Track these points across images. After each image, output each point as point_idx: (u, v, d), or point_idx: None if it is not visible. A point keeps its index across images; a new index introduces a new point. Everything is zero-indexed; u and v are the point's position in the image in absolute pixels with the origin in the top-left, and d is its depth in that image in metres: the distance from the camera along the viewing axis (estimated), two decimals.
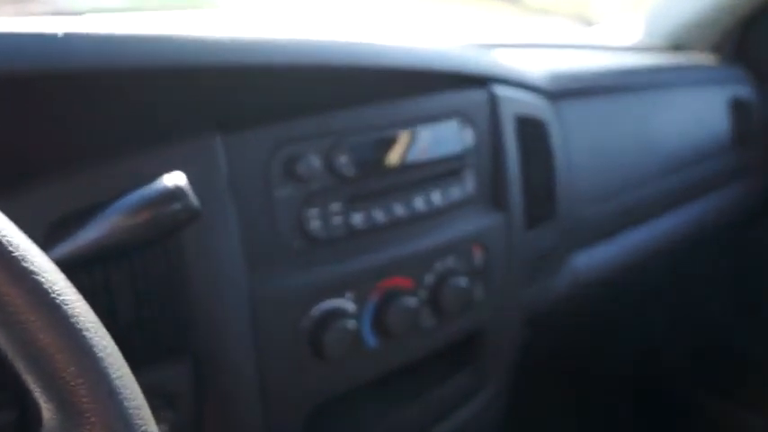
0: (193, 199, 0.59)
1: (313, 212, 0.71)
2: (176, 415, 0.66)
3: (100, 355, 0.35)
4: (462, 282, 0.82)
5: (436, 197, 0.81)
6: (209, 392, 0.67)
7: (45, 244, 0.57)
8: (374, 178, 0.76)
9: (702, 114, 1.34)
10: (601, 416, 1.68)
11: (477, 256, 0.85)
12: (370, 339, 0.77)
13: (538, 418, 1.60)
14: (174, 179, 0.59)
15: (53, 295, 0.34)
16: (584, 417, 1.66)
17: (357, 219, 0.75)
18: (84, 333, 0.34)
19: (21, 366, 0.33)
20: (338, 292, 0.73)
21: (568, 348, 1.70)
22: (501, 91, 0.89)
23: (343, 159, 0.73)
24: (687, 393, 1.59)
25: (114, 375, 0.35)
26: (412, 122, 0.79)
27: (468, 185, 0.85)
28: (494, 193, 0.89)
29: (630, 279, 1.29)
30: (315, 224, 0.71)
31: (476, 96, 0.86)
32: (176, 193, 0.58)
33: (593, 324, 1.47)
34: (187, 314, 0.66)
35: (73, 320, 0.34)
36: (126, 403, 0.35)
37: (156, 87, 0.63)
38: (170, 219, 0.58)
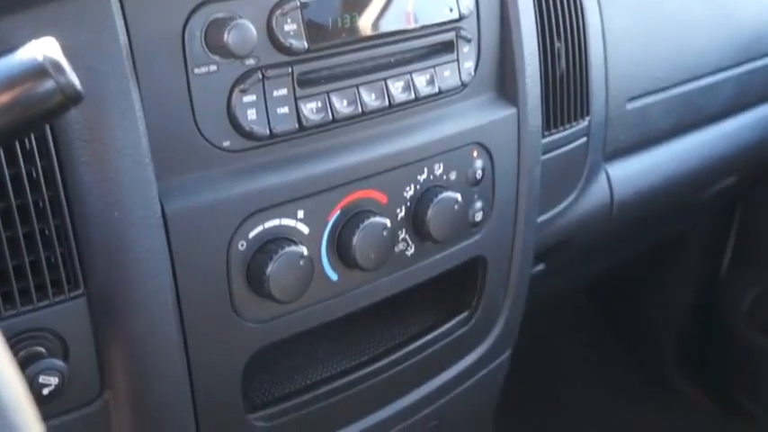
0: (71, 76, 0.51)
1: (248, 100, 0.64)
2: (68, 365, 0.61)
3: None
4: (454, 197, 0.75)
5: (421, 81, 0.73)
6: (110, 337, 0.62)
7: None
8: (334, 53, 0.68)
9: None
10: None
11: (476, 162, 0.78)
12: (329, 271, 0.71)
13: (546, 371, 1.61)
14: (45, 48, 0.51)
15: None
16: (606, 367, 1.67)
17: (310, 109, 0.67)
18: None
19: None
20: (284, 209, 0.66)
21: (593, 289, 1.69)
22: None
23: (290, 26, 0.65)
24: (741, 334, 1.58)
25: None
26: None
27: (465, 66, 0.77)
28: (500, 79, 0.81)
29: (676, 200, 1.23)
30: (251, 116, 0.64)
31: None
32: (47, 67, 0.50)
33: (623, 256, 1.43)
34: (78, 240, 0.60)
35: None
36: None
37: None
38: (39, 102, 0.51)
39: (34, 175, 0.58)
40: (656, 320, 1.70)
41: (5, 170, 0.57)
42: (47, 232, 0.59)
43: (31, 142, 0.57)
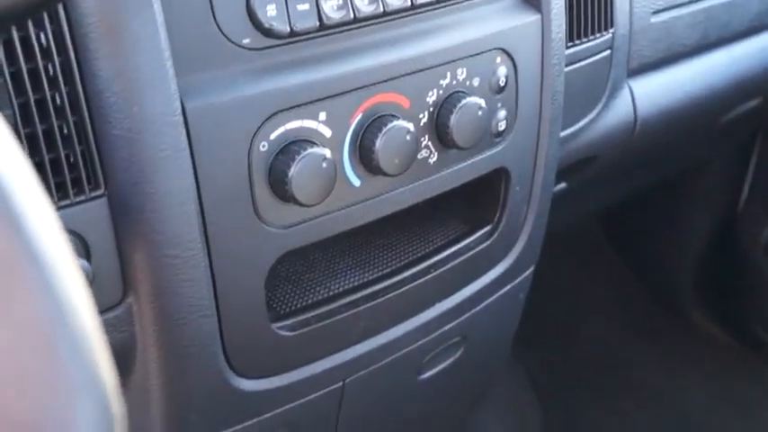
0: None
1: None
2: (90, 267, 0.60)
3: None
4: (478, 103, 0.73)
5: None
6: (131, 239, 0.61)
7: None
8: None
9: None
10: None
11: (500, 69, 0.76)
12: (352, 176, 0.69)
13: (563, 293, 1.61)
14: None
15: None
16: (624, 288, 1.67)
17: (331, 6, 0.65)
18: None
19: None
20: (306, 110, 0.64)
21: (609, 223, 1.68)
22: None
23: None
24: (759, 266, 1.57)
25: None
26: None
27: None
28: None
29: (698, 121, 1.21)
30: (270, 12, 0.62)
31: None
32: None
33: (643, 181, 1.41)
34: (98, 137, 0.59)
35: None
36: None
37: None
38: None
39: (51, 70, 0.57)
40: (673, 253, 1.69)
41: (23, 65, 0.55)
42: (65, 130, 0.58)
43: (47, 37, 0.56)
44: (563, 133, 0.90)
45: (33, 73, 0.56)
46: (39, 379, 0.26)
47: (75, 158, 0.58)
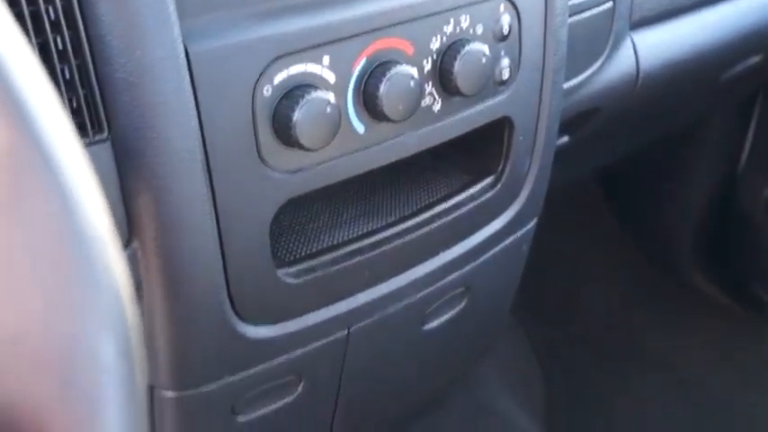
0: None
1: None
2: None
3: None
4: (482, 50, 0.73)
5: None
6: (135, 184, 0.61)
7: None
8: None
9: None
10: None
11: (503, 17, 0.76)
12: (356, 122, 0.69)
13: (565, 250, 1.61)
14: None
15: None
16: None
17: None
18: None
19: None
20: (309, 55, 0.64)
21: (609, 186, 1.68)
22: None
23: None
24: (760, 228, 1.57)
25: None
26: None
27: None
28: None
29: (700, 76, 1.20)
30: None
31: None
32: None
33: (644, 138, 1.41)
34: (101, 81, 0.58)
35: None
36: None
37: None
38: None
39: (53, 14, 0.56)
40: (673, 215, 1.68)
41: (25, 8, 0.55)
42: (68, 74, 0.57)
43: None
44: (566, 85, 0.90)
45: (35, 16, 0.56)
46: (50, 277, 0.26)
47: (78, 103, 0.58)
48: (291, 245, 0.74)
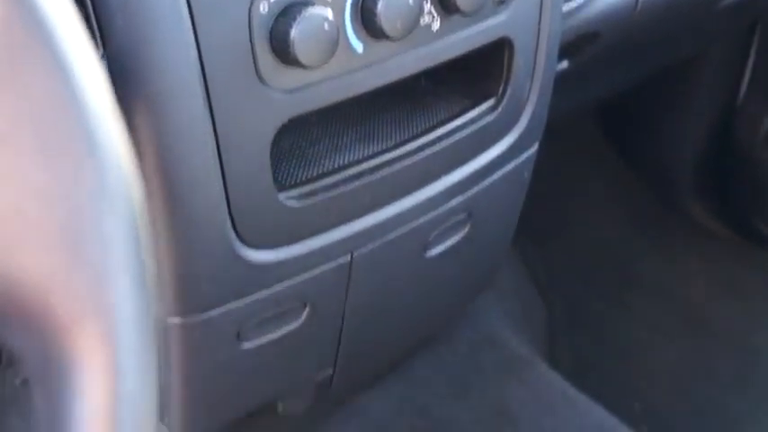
0: None
1: None
2: None
3: None
4: None
5: None
6: (133, 103, 0.60)
7: None
8: None
9: None
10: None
11: None
12: (355, 41, 0.68)
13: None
14: None
15: None
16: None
17: None
18: None
19: None
20: None
21: (608, 117, 1.67)
22: None
23: None
24: (759, 159, 1.57)
25: None
26: None
27: None
28: None
29: (699, 2, 1.19)
30: None
31: None
32: None
33: (643, 68, 1.39)
34: (95, 1, 0.57)
35: None
36: None
37: None
38: None
39: None
40: (672, 147, 1.68)
41: None
42: None
43: None
44: (565, 7, 0.89)
45: None
46: (53, 151, 0.26)
47: None
48: (292, 169, 0.73)
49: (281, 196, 0.69)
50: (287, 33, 0.62)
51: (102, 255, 0.26)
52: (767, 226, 1.62)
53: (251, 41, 0.62)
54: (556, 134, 1.05)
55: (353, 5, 0.66)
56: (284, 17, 0.62)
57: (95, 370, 0.25)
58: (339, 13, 0.66)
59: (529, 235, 1.39)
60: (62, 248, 0.25)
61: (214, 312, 0.71)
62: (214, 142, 0.63)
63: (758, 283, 1.58)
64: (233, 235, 0.67)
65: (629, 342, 1.49)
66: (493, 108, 0.83)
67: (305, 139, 0.77)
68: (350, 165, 0.74)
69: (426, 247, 0.85)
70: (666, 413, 1.39)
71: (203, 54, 0.60)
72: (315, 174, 0.73)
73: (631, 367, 1.46)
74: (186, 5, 0.59)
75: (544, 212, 1.47)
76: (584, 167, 1.73)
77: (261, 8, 0.62)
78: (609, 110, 1.66)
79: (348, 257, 0.77)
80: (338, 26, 0.65)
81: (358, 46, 0.68)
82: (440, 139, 0.79)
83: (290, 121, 0.67)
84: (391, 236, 0.79)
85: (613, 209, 1.69)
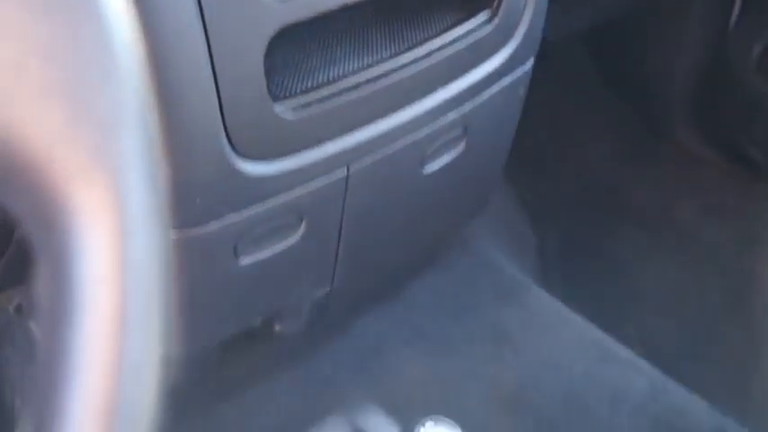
0: None
1: None
2: None
3: None
4: None
5: None
6: None
7: None
8: None
9: None
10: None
11: None
12: None
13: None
14: None
15: None
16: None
17: None
18: None
19: None
20: None
21: (596, 46, 1.65)
22: None
23: None
24: (750, 83, 1.56)
25: None
26: None
27: None
28: None
29: None
30: None
31: None
32: None
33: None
34: None
35: None
36: None
37: None
38: None
39: None
40: (662, 74, 1.66)
41: None
42: None
43: None
44: None
45: None
46: (58, 3, 0.25)
47: None
48: (286, 81, 0.72)
49: (276, 108, 0.68)
50: None
51: (109, 109, 0.25)
52: (757, 149, 1.62)
53: None
54: (544, 60, 1.04)
55: None
56: None
57: (103, 224, 0.25)
58: None
59: (520, 165, 1.38)
60: (66, 101, 0.25)
61: (211, 226, 0.70)
62: (206, 51, 0.62)
63: (746, 206, 1.59)
64: (228, 145, 0.66)
65: (619, 267, 1.49)
66: (488, 20, 0.81)
67: (299, 53, 0.75)
68: (344, 76, 0.73)
69: (423, 162, 0.85)
70: (659, 335, 1.40)
71: None
72: (309, 85, 0.72)
73: (623, 291, 1.46)
74: None
75: (532, 144, 1.46)
76: (571, 95, 1.71)
77: None
78: (599, 37, 1.64)
79: (344, 171, 0.76)
80: None
81: None
82: (435, 51, 0.78)
83: (283, 29, 0.65)
84: (388, 150, 0.78)
85: (602, 139, 1.69)
